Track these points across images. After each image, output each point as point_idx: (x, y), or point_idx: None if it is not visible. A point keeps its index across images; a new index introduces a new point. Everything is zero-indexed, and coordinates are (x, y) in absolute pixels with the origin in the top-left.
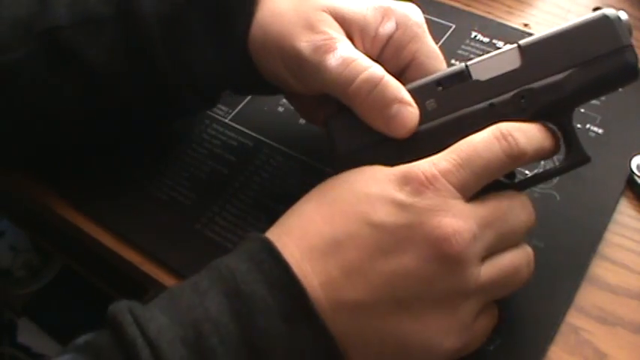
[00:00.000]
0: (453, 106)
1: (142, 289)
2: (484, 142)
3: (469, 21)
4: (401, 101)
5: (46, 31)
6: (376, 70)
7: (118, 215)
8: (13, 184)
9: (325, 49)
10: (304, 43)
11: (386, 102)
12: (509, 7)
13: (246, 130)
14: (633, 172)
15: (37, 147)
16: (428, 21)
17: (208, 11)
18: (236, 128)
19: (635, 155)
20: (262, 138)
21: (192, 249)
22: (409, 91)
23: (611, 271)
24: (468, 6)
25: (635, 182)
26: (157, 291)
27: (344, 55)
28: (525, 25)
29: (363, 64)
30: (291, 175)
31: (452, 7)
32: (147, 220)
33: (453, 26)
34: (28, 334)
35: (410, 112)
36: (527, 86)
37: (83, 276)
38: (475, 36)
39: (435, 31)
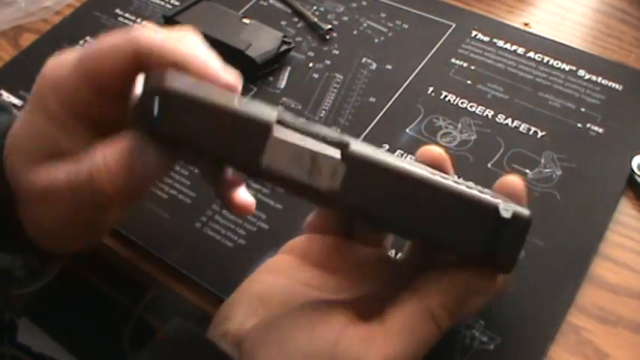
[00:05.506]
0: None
1: (142, 289)
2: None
3: (469, 20)
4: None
5: None
6: None
7: None
8: None
9: None
10: None
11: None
12: (510, 6)
13: None
14: (634, 171)
15: None
16: (428, 20)
17: None
18: None
19: (636, 155)
20: None
21: (193, 248)
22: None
23: (612, 270)
24: (469, 5)
25: (636, 182)
26: (156, 291)
27: None
28: (526, 24)
29: None
30: None
31: (452, 6)
32: (147, 218)
33: (454, 25)
34: (28, 334)
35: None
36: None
37: (83, 276)
38: (475, 35)
39: (435, 30)
